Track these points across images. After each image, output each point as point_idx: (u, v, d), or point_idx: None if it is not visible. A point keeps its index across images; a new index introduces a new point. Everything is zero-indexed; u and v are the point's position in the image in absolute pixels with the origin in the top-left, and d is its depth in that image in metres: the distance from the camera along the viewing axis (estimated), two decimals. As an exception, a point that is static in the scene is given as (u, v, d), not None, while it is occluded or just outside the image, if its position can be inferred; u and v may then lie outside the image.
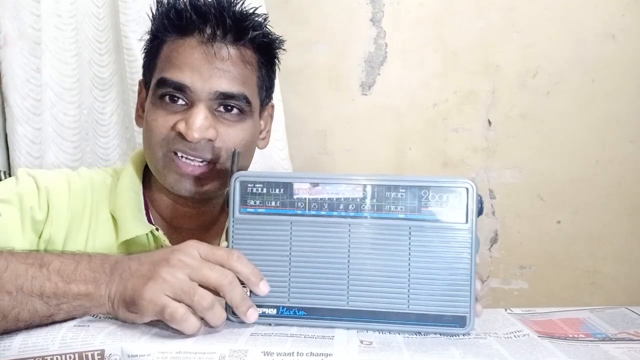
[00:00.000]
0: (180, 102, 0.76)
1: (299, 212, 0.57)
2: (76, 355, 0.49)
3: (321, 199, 0.57)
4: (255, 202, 0.58)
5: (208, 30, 0.76)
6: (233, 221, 0.58)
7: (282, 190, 0.58)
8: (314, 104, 1.35)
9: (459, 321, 0.55)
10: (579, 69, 1.27)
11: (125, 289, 0.54)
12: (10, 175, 1.13)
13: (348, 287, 0.56)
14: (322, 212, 0.57)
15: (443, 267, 0.55)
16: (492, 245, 1.32)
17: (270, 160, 1.26)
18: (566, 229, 1.29)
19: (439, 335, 0.55)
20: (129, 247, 0.79)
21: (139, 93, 0.87)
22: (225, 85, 0.76)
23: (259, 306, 0.57)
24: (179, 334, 0.52)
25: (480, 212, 0.56)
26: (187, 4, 0.76)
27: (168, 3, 0.78)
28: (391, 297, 0.56)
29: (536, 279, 1.30)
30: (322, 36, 1.34)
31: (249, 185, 0.58)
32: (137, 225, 0.78)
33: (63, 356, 0.49)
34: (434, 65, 1.32)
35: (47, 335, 0.51)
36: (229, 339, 0.51)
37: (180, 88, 0.75)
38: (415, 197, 0.56)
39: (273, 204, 0.58)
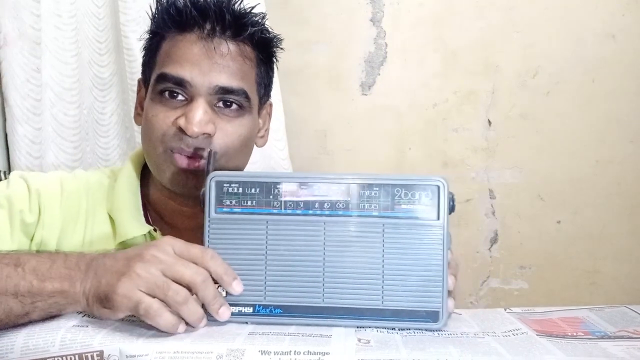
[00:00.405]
0: (180, 97, 0.76)
1: (274, 211, 0.58)
2: (76, 356, 0.50)
3: (297, 197, 0.57)
4: (231, 202, 0.59)
5: (207, 26, 0.76)
6: (209, 221, 0.59)
7: (257, 189, 0.58)
8: (314, 104, 1.35)
9: (432, 316, 0.56)
10: (579, 69, 1.27)
11: (100, 285, 0.54)
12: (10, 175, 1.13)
13: (324, 284, 0.57)
14: (298, 211, 0.58)
15: (416, 264, 0.57)
16: (492, 245, 1.32)
17: (270, 160, 1.26)
18: (566, 229, 1.29)
19: (437, 334, 0.55)
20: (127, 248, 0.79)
21: (138, 91, 0.87)
22: (225, 79, 0.76)
23: (235, 305, 0.57)
24: (161, 332, 0.53)
25: (452, 209, 0.57)
26: (187, 0, 0.77)
27: (168, 0, 0.78)
28: (366, 294, 0.57)
29: (536, 279, 1.30)
30: (322, 36, 1.34)
31: (225, 185, 0.59)
32: (135, 226, 0.78)
33: (64, 357, 0.50)
34: (434, 65, 1.32)
35: (47, 337, 0.51)
36: (226, 338, 0.51)
37: (180, 83, 0.75)
38: (388, 195, 0.57)
39: (249, 203, 0.58)
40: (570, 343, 0.52)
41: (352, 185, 0.57)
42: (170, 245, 0.56)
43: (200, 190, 0.79)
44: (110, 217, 0.80)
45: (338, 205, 0.57)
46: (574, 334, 0.56)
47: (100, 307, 0.54)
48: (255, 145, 0.87)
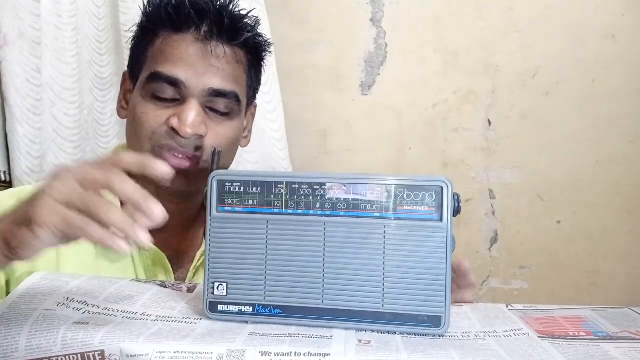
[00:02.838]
0: (172, 96, 0.76)
1: (275, 210, 0.58)
2: (78, 355, 0.50)
3: (297, 197, 0.57)
4: (232, 201, 0.58)
5: (205, 28, 0.76)
6: (210, 220, 0.58)
7: (259, 189, 0.58)
8: (314, 104, 1.35)
9: (434, 321, 0.55)
10: (579, 69, 1.27)
11: (16, 213, 0.50)
12: (10, 175, 1.13)
13: (323, 285, 0.56)
14: (299, 211, 0.57)
15: (418, 267, 0.55)
16: (492, 245, 1.32)
17: (270, 160, 1.26)
18: (566, 229, 1.29)
19: (438, 337, 0.55)
20: (107, 251, 0.77)
21: (122, 84, 0.86)
22: (219, 82, 0.76)
23: (236, 304, 0.57)
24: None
25: (456, 211, 0.56)
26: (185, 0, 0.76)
27: None
28: (366, 296, 0.56)
29: (536, 279, 1.30)
30: (322, 36, 1.34)
31: (227, 184, 0.58)
32: None
33: (67, 357, 0.50)
34: (434, 65, 1.32)
35: (48, 336, 0.52)
36: (226, 338, 0.51)
37: (174, 82, 0.75)
38: (390, 196, 0.56)
39: (250, 202, 0.58)
40: (572, 345, 0.52)
41: (353, 185, 0.57)
42: (77, 164, 0.53)
43: (188, 189, 0.79)
44: None
45: (339, 206, 0.57)
46: (576, 334, 0.55)
47: (19, 230, 0.49)
48: (239, 146, 0.87)
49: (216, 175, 0.59)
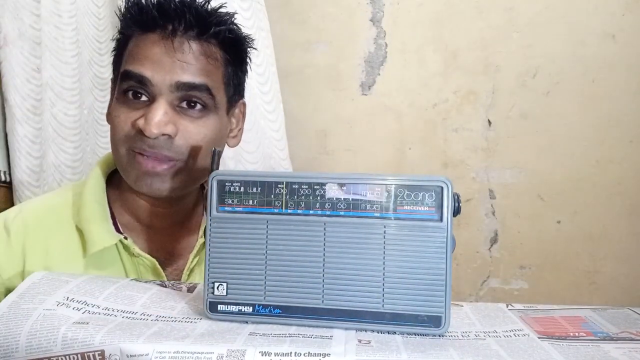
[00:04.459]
0: (143, 97, 0.75)
1: (275, 210, 0.57)
2: (79, 355, 0.50)
3: (297, 197, 0.57)
4: (232, 201, 0.58)
5: (169, 26, 0.75)
6: (211, 220, 0.58)
7: (259, 189, 0.58)
8: (314, 104, 1.35)
9: (434, 321, 0.55)
10: (579, 69, 1.27)
11: None
12: (10, 175, 1.13)
13: (323, 285, 0.56)
14: (299, 211, 0.57)
15: (418, 267, 0.55)
16: (492, 245, 1.32)
17: (270, 160, 1.26)
18: (566, 229, 1.29)
19: (438, 337, 0.55)
20: (97, 261, 0.77)
21: (111, 90, 0.85)
22: (187, 76, 0.75)
23: (236, 304, 0.57)
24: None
25: (456, 211, 0.56)
26: (150, 1, 0.76)
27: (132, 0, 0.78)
28: (366, 297, 0.56)
29: (536, 279, 1.30)
30: (322, 36, 1.34)
31: (227, 184, 0.58)
32: (105, 237, 0.76)
33: (67, 357, 0.50)
34: (434, 65, 1.32)
35: (48, 336, 0.51)
36: (227, 338, 0.51)
37: (142, 81, 0.74)
38: (390, 196, 0.56)
39: (250, 202, 0.58)
40: (572, 346, 0.52)
41: (352, 185, 0.57)
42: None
43: (171, 193, 0.78)
44: (79, 230, 0.78)
45: (339, 206, 0.57)
46: (576, 334, 0.55)
47: None
48: (227, 146, 0.85)
49: (216, 175, 0.59)
